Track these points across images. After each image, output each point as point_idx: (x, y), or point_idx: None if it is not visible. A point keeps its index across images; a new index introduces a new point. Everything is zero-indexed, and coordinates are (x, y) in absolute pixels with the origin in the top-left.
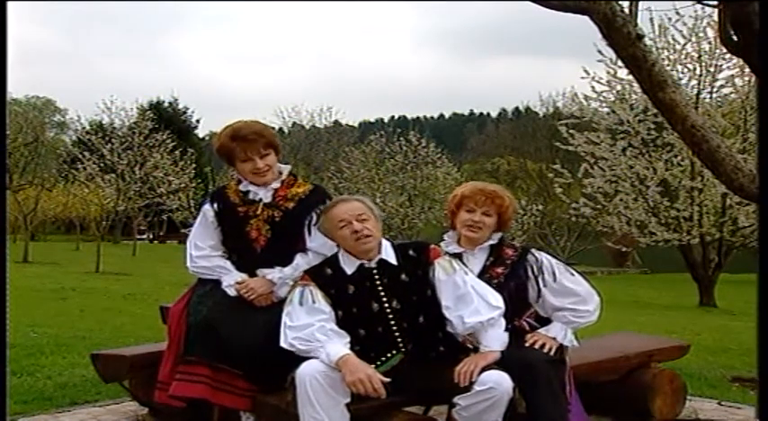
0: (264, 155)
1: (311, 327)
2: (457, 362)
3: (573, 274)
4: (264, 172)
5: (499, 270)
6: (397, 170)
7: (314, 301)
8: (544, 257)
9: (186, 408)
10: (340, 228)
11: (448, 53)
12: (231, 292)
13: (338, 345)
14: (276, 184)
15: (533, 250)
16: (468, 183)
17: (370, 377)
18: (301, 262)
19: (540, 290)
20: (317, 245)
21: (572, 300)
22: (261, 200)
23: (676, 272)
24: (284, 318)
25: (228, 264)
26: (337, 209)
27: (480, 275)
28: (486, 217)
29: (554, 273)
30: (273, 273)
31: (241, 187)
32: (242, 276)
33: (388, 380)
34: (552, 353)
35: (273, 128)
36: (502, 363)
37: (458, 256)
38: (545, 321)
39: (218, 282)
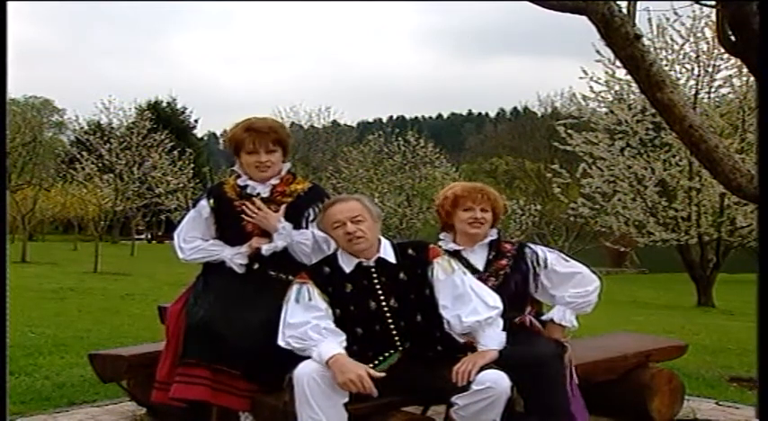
0: (271, 150)
1: (306, 326)
2: (455, 361)
3: (567, 260)
4: (266, 167)
5: (504, 262)
6: (396, 170)
7: (310, 299)
8: (539, 249)
9: (185, 409)
10: (334, 229)
11: (446, 53)
12: (241, 260)
13: (330, 345)
14: (275, 181)
15: (529, 244)
16: (457, 184)
17: (361, 377)
18: (307, 232)
19: (537, 280)
20: (321, 233)
21: (571, 284)
22: (259, 194)
23: (674, 272)
24: (282, 316)
25: (221, 242)
26: (334, 208)
27: (485, 269)
28: (485, 213)
29: (547, 261)
30: (285, 223)
31: (239, 182)
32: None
33: (382, 374)
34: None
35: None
36: (500, 362)
37: (456, 254)
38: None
39: (212, 281)
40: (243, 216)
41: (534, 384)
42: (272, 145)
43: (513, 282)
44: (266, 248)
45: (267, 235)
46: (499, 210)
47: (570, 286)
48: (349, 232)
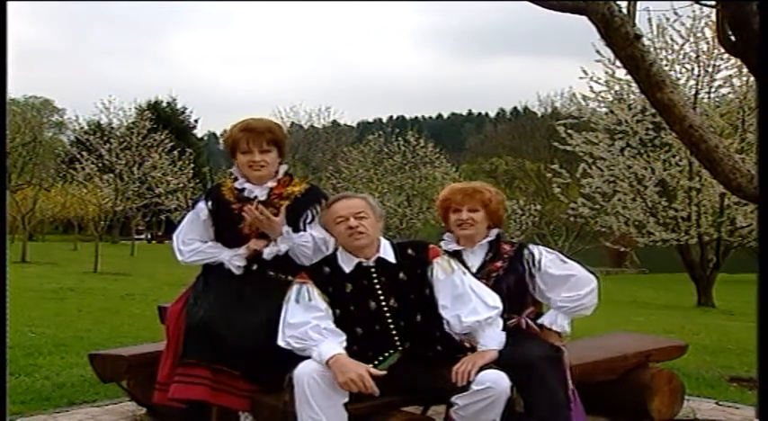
0: (266, 150)
1: (306, 326)
2: (455, 361)
3: (565, 262)
4: (260, 166)
5: (498, 264)
6: (396, 170)
7: (310, 299)
8: (536, 250)
9: (185, 409)
10: (337, 224)
11: (446, 53)
12: (239, 262)
13: (331, 345)
14: (272, 183)
15: (529, 245)
16: (449, 186)
17: (362, 376)
18: (307, 234)
19: (534, 282)
20: (319, 235)
21: (564, 287)
22: (256, 197)
23: (674, 272)
24: (282, 316)
25: (220, 244)
26: (337, 204)
27: (480, 270)
28: (474, 213)
29: (541, 263)
30: (285, 226)
31: (237, 184)
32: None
33: (383, 373)
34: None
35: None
36: (500, 363)
37: (457, 254)
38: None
39: (212, 281)
40: (244, 218)
41: (520, 386)
42: (267, 144)
43: (506, 284)
44: (268, 252)
45: (264, 236)
46: (493, 208)
47: (564, 290)
48: (351, 226)
